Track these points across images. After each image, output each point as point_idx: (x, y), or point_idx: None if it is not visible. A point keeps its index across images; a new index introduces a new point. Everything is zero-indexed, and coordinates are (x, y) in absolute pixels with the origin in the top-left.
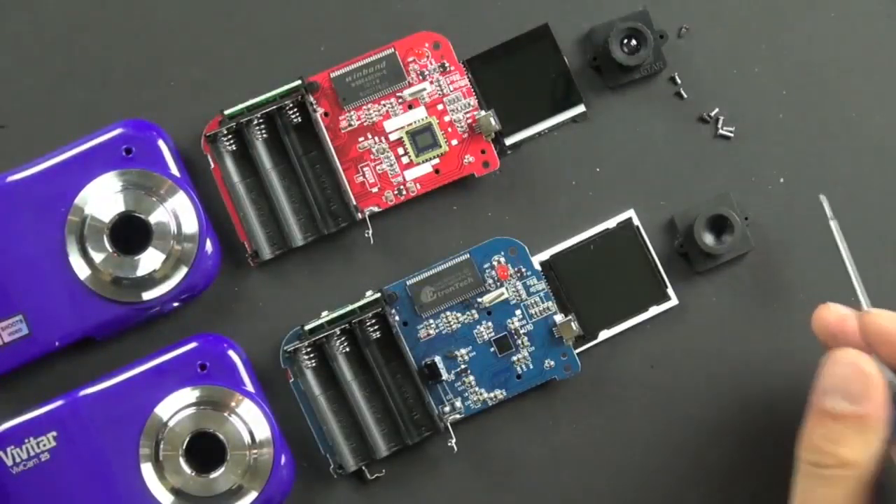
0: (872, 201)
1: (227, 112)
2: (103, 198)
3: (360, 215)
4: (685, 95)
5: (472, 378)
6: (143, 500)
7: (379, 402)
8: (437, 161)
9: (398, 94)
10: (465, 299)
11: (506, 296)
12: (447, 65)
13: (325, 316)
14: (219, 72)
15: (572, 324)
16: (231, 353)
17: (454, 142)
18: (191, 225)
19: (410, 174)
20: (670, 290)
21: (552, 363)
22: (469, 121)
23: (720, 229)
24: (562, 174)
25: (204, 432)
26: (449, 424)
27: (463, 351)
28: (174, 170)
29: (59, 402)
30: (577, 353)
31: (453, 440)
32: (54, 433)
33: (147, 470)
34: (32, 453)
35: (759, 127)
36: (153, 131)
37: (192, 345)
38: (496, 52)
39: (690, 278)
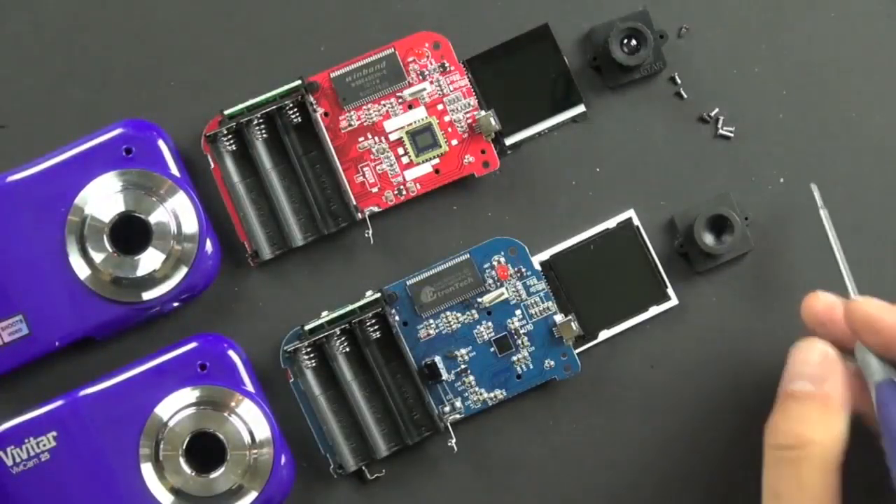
0: (872, 201)
1: (227, 112)
2: (103, 198)
3: (360, 215)
4: (685, 95)
5: (472, 378)
6: (143, 500)
7: (379, 402)
8: (437, 161)
9: (398, 94)
10: (465, 299)
11: (506, 296)
12: (447, 65)
13: (325, 316)
14: (219, 72)
15: (572, 324)
16: (231, 353)
17: (454, 142)
18: (191, 225)
19: (410, 174)
20: (670, 290)
21: (552, 363)
22: (469, 121)
23: (720, 229)
24: (562, 174)
25: (204, 432)
26: (449, 424)
27: (463, 351)
28: (174, 170)
29: (59, 402)
30: (577, 353)
31: (453, 440)
32: (54, 433)
33: (147, 470)
34: (32, 453)
35: (759, 127)
36: (153, 131)
37: (192, 345)
38: (496, 52)
39: (690, 278)
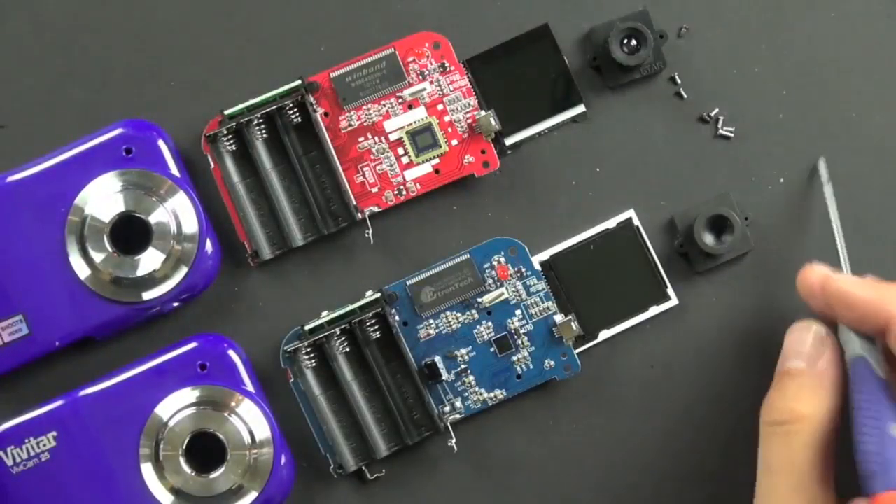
0: (872, 201)
1: (227, 112)
2: (103, 198)
3: (360, 215)
4: (685, 95)
5: (472, 378)
6: (143, 500)
7: (379, 402)
8: (437, 161)
9: (398, 94)
10: (465, 299)
11: (506, 296)
12: (447, 65)
13: (325, 316)
14: (219, 72)
15: (572, 324)
16: (231, 353)
17: (454, 142)
18: (191, 225)
19: (410, 174)
20: (670, 290)
21: (552, 363)
22: (469, 121)
23: (720, 229)
24: (562, 174)
25: (204, 432)
26: (449, 424)
27: (463, 351)
28: (174, 170)
29: (59, 402)
30: (577, 353)
31: (453, 440)
32: (54, 433)
33: (147, 470)
34: (32, 453)
35: (759, 127)
36: (153, 131)
37: (192, 345)
38: (496, 52)
39: (690, 278)
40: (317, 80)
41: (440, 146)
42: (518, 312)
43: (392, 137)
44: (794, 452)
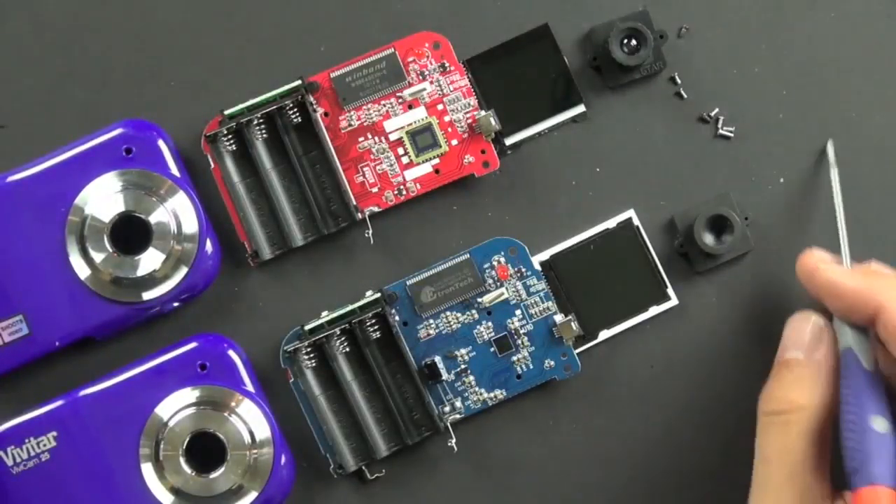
0: (872, 201)
1: (227, 112)
2: (103, 198)
3: (360, 215)
4: (685, 95)
5: (472, 378)
6: (143, 500)
7: (379, 402)
8: (437, 161)
9: (398, 94)
10: (465, 299)
11: (506, 296)
12: (447, 65)
13: (325, 316)
14: (219, 72)
15: (572, 324)
16: (231, 353)
17: (454, 142)
18: (191, 225)
19: (410, 174)
20: (670, 290)
21: (552, 363)
22: (469, 121)
23: (720, 229)
24: (562, 174)
25: (204, 432)
26: (449, 424)
27: (463, 351)
28: (174, 170)
29: (59, 402)
30: (577, 353)
31: (453, 440)
32: (54, 433)
33: (147, 470)
34: (32, 453)
35: (759, 127)
36: (153, 131)
37: (192, 345)
38: (496, 52)
39: (690, 278)
40: (317, 80)
41: (440, 146)
42: (518, 312)
43: (392, 137)
44: (790, 442)
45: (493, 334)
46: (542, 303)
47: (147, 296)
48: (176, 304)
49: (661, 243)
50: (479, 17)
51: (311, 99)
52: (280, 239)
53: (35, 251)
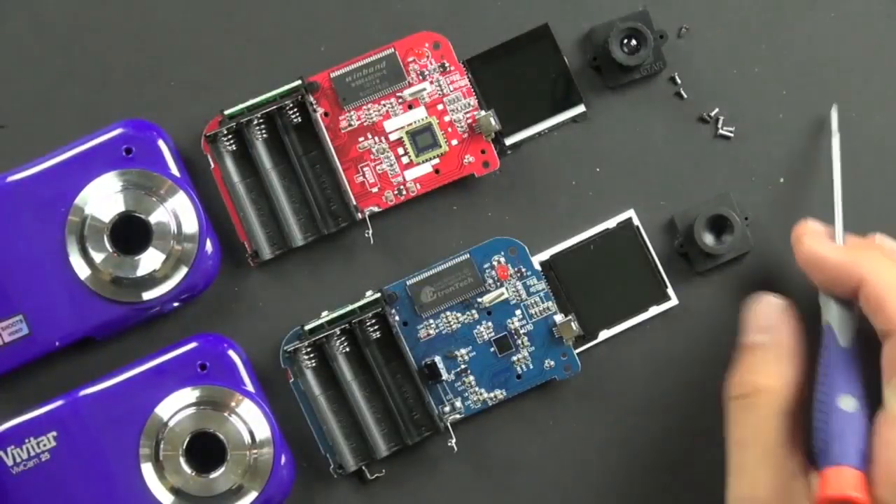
0: (872, 201)
1: (227, 112)
2: (103, 198)
3: (360, 215)
4: (685, 95)
5: (472, 378)
6: (143, 500)
7: (379, 402)
8: (437, 161)
9: (398, 94)
10: (465, 299)
11: (506, 296)
12: (447, 65)
13: (325, 316)
14: (219, 72)
15: (572, 324)
16: (231, 353)
17: (454, 142)
18: (191, 225)
19: (410, 174)
20: (670, 290)
21: (552, 363)
22: (469, 121)
23: (720, 229)
24: (562, 174)
25: (204, 432)
26: (449, 424)
27: (463, 351)
28: (174, 170)
29: (59, 402)
30: (577, 353)
31: (453, 440)
32: (54, 433)
33: (147, 470)
34: (32, 453)
35: (759, 127)
36: (153, 131)
37: (192, 345)
38: (496, 52)
39: (690, 278)
40: (317, 80)
41: (440, 146)
42: (518, 312)
43: (392, 137)
44: (759, 423)
45: (493, 334)
46: (542, 303)
47: (147, 296)
48: (176, 304)
49: (661, 243)
50: (479, 17)
51: (311, 99)
52: (280, 239)
53: (35, 251)
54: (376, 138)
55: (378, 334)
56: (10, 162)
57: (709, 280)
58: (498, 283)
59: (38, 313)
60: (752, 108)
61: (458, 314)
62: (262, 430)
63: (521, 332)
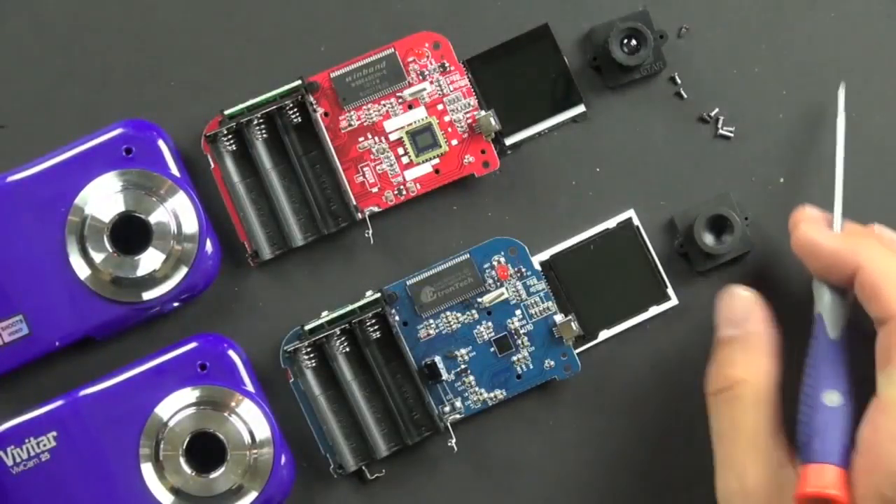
0: (872, 201)
1: (227, 112)
2: (103, 198)
3: (360, 215)
4: (685, 95)
5: (472, 378)
6: (143, 500)
7: (379, 402)
8: (437, 161)
9: (398, 94)
10: (465, 299)
11: (506, 296)
12: (447, 65)
13: (325, 316)
14: (219, 72)
15: (572, 324)
16: (231, 353)
17: (454, 142)
18: (191, 225)
19: (410, 174)
20: (670, 290)
21: (552, 363)
22: (469, 121)
23: (720, 229)
24: (562, 174)
25: (204, 432)
26: (449, 424)
27: (463, 351)
28: (174, 170)
29: (59, 402)
30: (577, 353)
31: (453, 440)
32: (54, 433)
33: (147, 470)
34: (32, 453)
35: (759, 127)
36: (153, 131)
37: (192, 345)
38: (496, 52)
39: (690, 278)
40: (317, 80)
41: (440, 146)
42: (518, 312)
43: (392, 137)
44: (740, 416)
45: (493, 334)
46: (542, 303)
47: (147, 296)
48: (176, 304)
49: (661, 243)
50: (479, 17)
51: (311, 99)
52: (280, 239)
53: (35, 251)
54: (376, 138)
55: (378, 334)
56: (10, 162)
57: (709, 280)
58: (498, 283)
59: (38, 313)
60: (752, 108)
61: (458, 314)
62: (262, 430)
63: (521, 332)
